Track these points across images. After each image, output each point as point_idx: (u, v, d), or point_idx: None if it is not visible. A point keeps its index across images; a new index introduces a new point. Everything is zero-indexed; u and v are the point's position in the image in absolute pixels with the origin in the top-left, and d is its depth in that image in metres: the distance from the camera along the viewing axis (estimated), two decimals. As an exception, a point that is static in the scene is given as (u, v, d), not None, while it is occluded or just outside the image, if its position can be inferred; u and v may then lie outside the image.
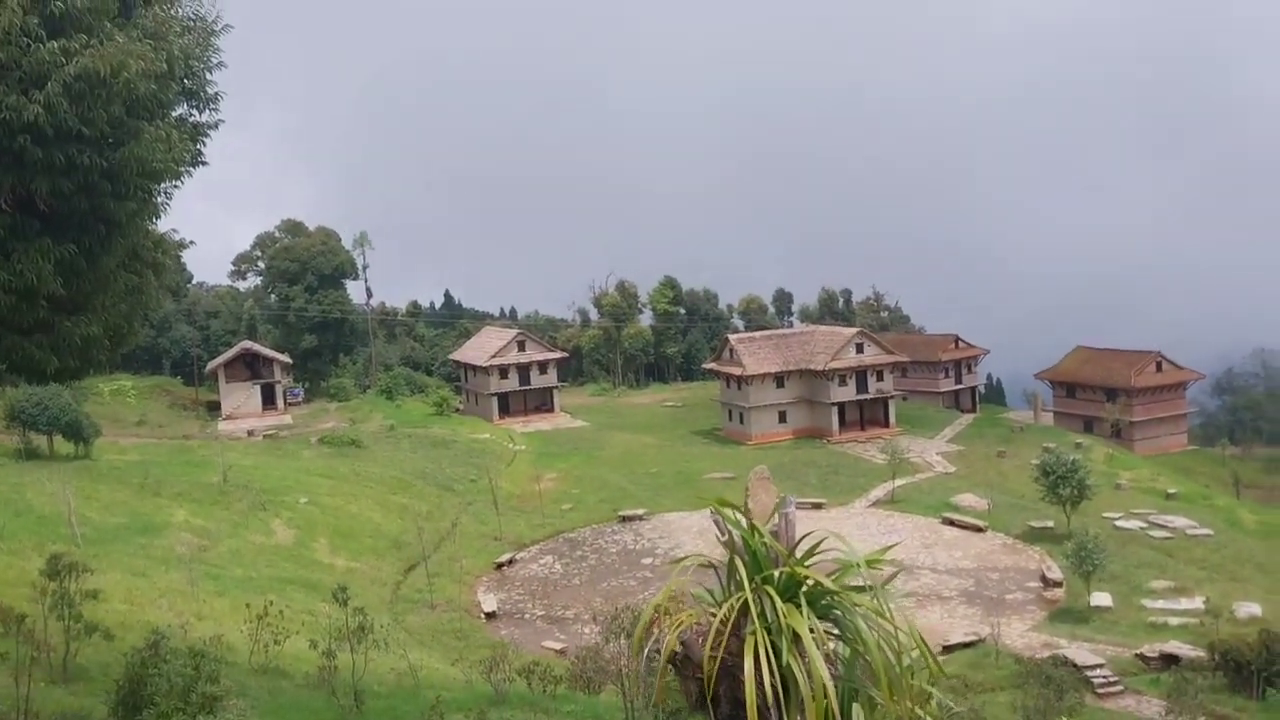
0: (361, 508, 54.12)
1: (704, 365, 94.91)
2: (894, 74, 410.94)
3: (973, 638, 38.38)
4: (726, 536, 4.68)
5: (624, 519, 56.42)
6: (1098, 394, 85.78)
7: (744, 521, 4.64)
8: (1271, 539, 52.66)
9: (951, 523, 54.20)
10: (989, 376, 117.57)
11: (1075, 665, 34.12)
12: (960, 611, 42.29)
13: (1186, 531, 52.31)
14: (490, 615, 42.68)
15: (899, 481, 61.08)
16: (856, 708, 4.04)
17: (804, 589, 4.21)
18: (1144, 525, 53.23)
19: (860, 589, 4.25)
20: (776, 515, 4.76)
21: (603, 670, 24.77)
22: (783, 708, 3.91)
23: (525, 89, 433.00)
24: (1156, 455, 78.92)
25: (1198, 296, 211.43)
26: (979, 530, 52.73)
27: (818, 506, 58.17)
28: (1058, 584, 44.34)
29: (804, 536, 4.57)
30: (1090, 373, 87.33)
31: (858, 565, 4.29)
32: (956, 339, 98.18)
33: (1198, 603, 41.94)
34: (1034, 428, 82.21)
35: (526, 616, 43.32)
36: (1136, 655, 36.35)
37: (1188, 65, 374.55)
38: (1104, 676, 34.56)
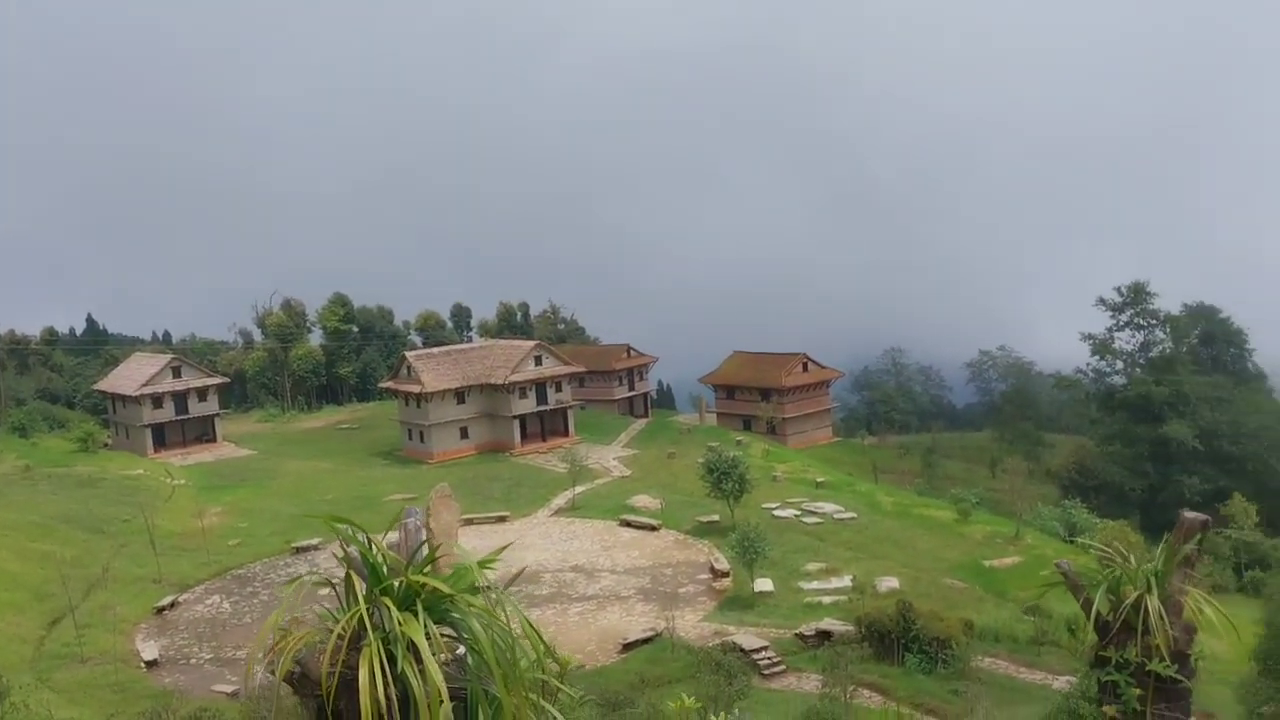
0: (-7, 560, 48.47)
1: (381, 384, 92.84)
2: (541, 99, 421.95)
3: (650, 633, 39.96)
4: (344, 554, 4.72)
5: (298, 550, 53.95)
6: (754, 394, 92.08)
7: (362, 537, 4.70)
8: (904, 518, 58.65)
9: (629, 524, 56.29)
10: (659, 383, 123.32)
11: (743, 650, 36.40)
12: (638, 609, 43.93)
13: (834, 516, 57.28)
14: (151, 664, 39.57)
15: (580, 489, 62.62)
16: (481, 707, 4.19)
17: (421, 597, 4.32)
18: (798, 513, 57.74)
19: (477, 591, 4.40)
20: (397, 527, 4.85)
21: (280, 709, 23.66)
22: (398, 716, 3.99)
23: (152, 91, 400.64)
24: (807, 448, 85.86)
25: (836, 301, 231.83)
26: (653, 529, 55.11)
27: (502, 520, 58.61)
28: (725, 574, 47.09)
29: (421, 545, 4.68)
30: (746, 375, 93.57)
31: (470, 568, 4.46)
32: (629, 348, 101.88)
33: (846, 581, 46.11)
34: (700, 429, 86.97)
35: (193, 661, 40.51)
36: (796, 635, 39.28)
37: (810, 89, 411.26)
38: (769, 658, 37.13)
